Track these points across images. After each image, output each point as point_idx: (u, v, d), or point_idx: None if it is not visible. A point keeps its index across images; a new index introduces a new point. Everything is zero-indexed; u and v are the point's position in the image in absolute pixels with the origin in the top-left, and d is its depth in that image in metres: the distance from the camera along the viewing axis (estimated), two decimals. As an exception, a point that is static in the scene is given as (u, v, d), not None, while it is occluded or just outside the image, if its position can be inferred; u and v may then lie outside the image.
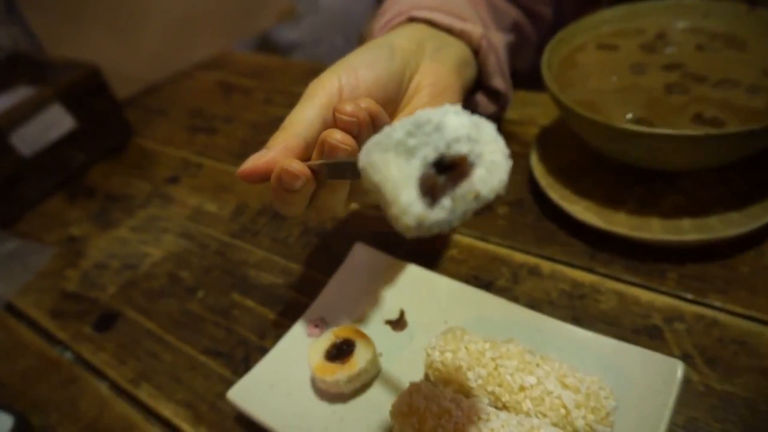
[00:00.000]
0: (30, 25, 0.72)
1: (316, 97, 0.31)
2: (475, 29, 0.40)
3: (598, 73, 0.42)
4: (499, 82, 0.43)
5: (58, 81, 0.60)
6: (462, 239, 0.42)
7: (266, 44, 1.17)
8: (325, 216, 0.32)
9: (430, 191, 0.20)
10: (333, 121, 0.29)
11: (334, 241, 0.44)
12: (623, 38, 0.45)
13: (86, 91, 0.62)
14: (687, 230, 0.36)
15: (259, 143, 0.59)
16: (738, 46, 0.42)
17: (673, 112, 0.37)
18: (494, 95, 0.45)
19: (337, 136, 0.28)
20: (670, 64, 0.41)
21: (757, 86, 0.37)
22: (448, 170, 0.21)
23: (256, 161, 0.29)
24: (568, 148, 0.45)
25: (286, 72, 0.75)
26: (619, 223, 0.38)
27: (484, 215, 0.44)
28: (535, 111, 0.54)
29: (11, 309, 0.46)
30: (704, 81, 0.39)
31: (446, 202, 0.20)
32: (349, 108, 0.28)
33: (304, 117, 0.30)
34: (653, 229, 0.37)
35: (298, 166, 0.27)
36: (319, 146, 0.28)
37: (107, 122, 0.64)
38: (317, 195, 0.30)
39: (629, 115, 0.37)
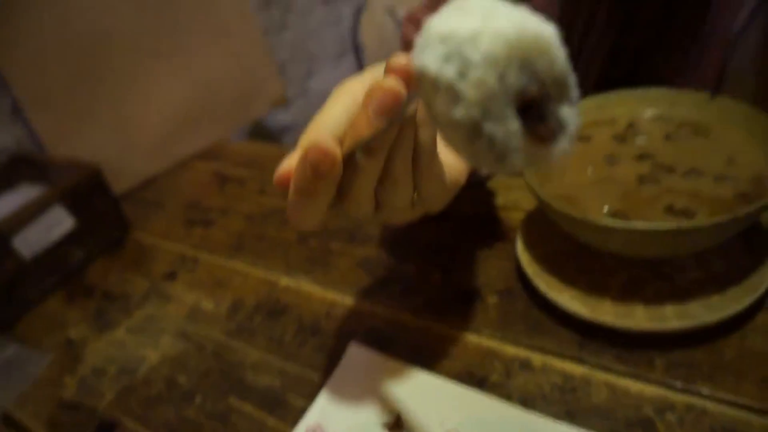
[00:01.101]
0: (33, 125, 0.75)
1: (340, 98, 0.29)
2: None
3: (574, 165, 0.44)
4: None
5: (59, 182, 0.63)
6: (456, 333, 0.43)
7: (259, 129, 1.22)
8: (389, 214, 0.30)
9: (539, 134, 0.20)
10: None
11: (329, 337, 0.45)
12: (596, 128, 0.48)
13: (86, 191, 0.64)
14: (670, 318, 0.37)
15: (254, 235, 0.61)
16: (703, 133, 0.44)
17: (647, 204, 0.39)
18: None
19: (392, 82, 0.23)
20: (641, 155, 0.43)
21: (723, 175, 0.40)
22: (527, 109, 0.20)
23: (289, 161, 0.27)
24: (551, 234, 0.47)
25: (280, 160, 0.78)
26: (605, 312, 0.39)
27: (475, 306, 0.45)
28: (518, 195, 0.56)
29: (8, 420, 0.46)
30: (673, 171, 0.41)
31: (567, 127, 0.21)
32: (403, 59, 0.24)
33: (331, 115, 0.28)
34: (638, 318, 0.38)
35: (330, 143, 0.24)
36: (365, 101, 0.25)
37: (106, 219, 0.66)
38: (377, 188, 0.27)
39: (606, 209, 0.39)
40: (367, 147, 0.25)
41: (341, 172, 0.26)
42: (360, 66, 1.30)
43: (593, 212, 0.39)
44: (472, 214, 0.56)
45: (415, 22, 0.58)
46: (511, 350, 0.40)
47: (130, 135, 0.81)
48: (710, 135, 0.44)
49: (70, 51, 0.74)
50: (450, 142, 0.20)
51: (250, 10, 1.15)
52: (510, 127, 0.19)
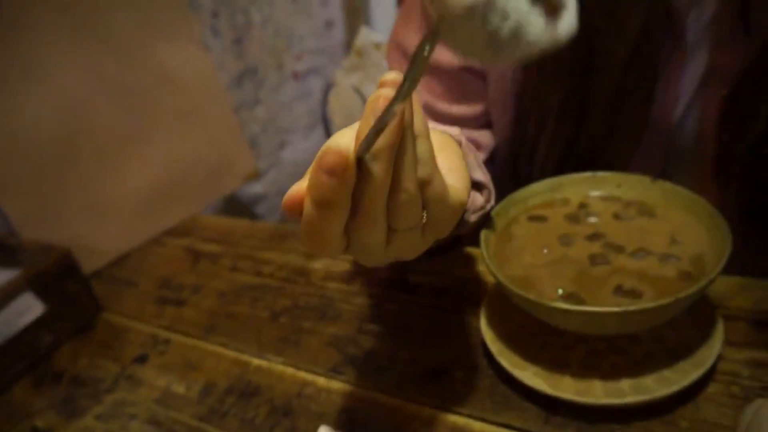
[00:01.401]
0: (5, 210, 0.75)
1: (346, 131, 0.30)
2: (453, 130, 0.43)
3: (531, 246, 0.47)
4: (480, 174, 0.46)
5: (29, 266, 0.63)
6: (425, 411, 0.44)
7: (231, 199, 1.24)
8: (402, 242, 0.31)
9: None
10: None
11: (301, 419, 0.46)
12: (551, 209, 0.51)
13: (57, 274, 0.64)
14: (626, 392, 0.39)
15: (227, 314, 0.62)
16: (649, 213, 0.48)
17: (598, 285, 0.41)
18: (477, 187, 0.47)
19: (388, 91, 0.26)
20: (592, 234, 0.47)
21: (667, 254, 0.43)
22: None
23: (297, 186, 0.28)
24: (513, 310, 0.49)
25: (253, 236, 0.79)
26: (566, 389, 0.41)
27: (443, 383, 0.46)
28: (483, 268, 0.58)
29: None
30: (622, 251, 0.44)
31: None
32: (393, 75, 0.27)
33: (342, 137, 0.28)
34: (596, 393, 0.40)
35: (342, 147, 0.25)
36: (367, 113, 0.27)
37: (76, 301, 0.66)
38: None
39: (560, 291, 0.41)
40: (374, 153, 0.27)
41: (354, 176, 0.26)
42: (329, 137, 1.35)
43: (548, 294, 0.41)
44: (438, 287, 0.58)
45: None
46: (478, 426, 0.42)
47: (102, 215, 0.82)
48: (655, 214, 0.48)
49: (40, 137, 0.75)
50: (467, 35, 0.23)
51: (224, 87, 1.20)
52: (519, 2, 0.23)
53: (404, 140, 0.28)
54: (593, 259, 0.44)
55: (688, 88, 0.50)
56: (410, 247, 0.33)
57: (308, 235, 0.28)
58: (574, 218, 0.49)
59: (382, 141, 0.26)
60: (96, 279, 0.76)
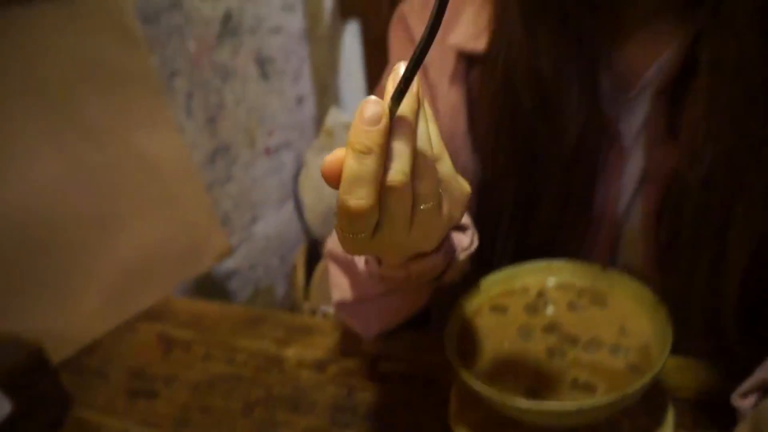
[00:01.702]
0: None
1: None
2: None
3: (492, 339, 0.49)
4: (464, 217, 0.47)
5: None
6: (395, 508, 0.45)
7: (203, 276, 1.24)
8: (422, 220, 0.33)
9: None
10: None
11: None
12: (511, 298, 0.54)
13: (26, 372, 0.64)
14: (586, 485, 0.42)
15: (200, 407, 0.62)
16: (600, 302, 0.51)
17: (556, 379, 0.44)
18: (461, 229, 0.49)
19: (403, 64, 0.30)
20: (549, 325, 0.50)
21: (617, 346, 0.46)
22: None
23: (334, 154, 0.31)
24: (479, 400, 0.51)
25: (226, 320, 0.80)
26: (530, 483, 0.43)
27: (413, 477, 0.48)
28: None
29: None
30: (576, 343, 0.47)
31: None
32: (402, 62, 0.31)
33: None
34: (558, 487, 0.42)
35: (378, 99, 0.29)
36: (388, 83, 0.31)
37: (46, 398, 0.66)
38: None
39: (520, 387, 0.44)
40: (401, 112, 0.31)
41: (389, 126, 0.30)
42: (300, 214, 1.38)
43: (509, 389, 0.43)
44: (407, 375, 0.60)
45: None
46: None
47: (72, 301, 0.82)
48: (606, 303, 0.51)
49: (7, 223, 0.76)
50: None
51: (197, 168, 1.23)
52: None
53: (419, 112, 0.32)
54: (550, 353, 0.47)
55: (628, 185, 0.55)
56: (430, 228, 0.36)
57: (349, 188, 0.31)
58: (532, 308, 0.52)
59: (406, 102, 0.31)
60: (66, 369, 0.75)
